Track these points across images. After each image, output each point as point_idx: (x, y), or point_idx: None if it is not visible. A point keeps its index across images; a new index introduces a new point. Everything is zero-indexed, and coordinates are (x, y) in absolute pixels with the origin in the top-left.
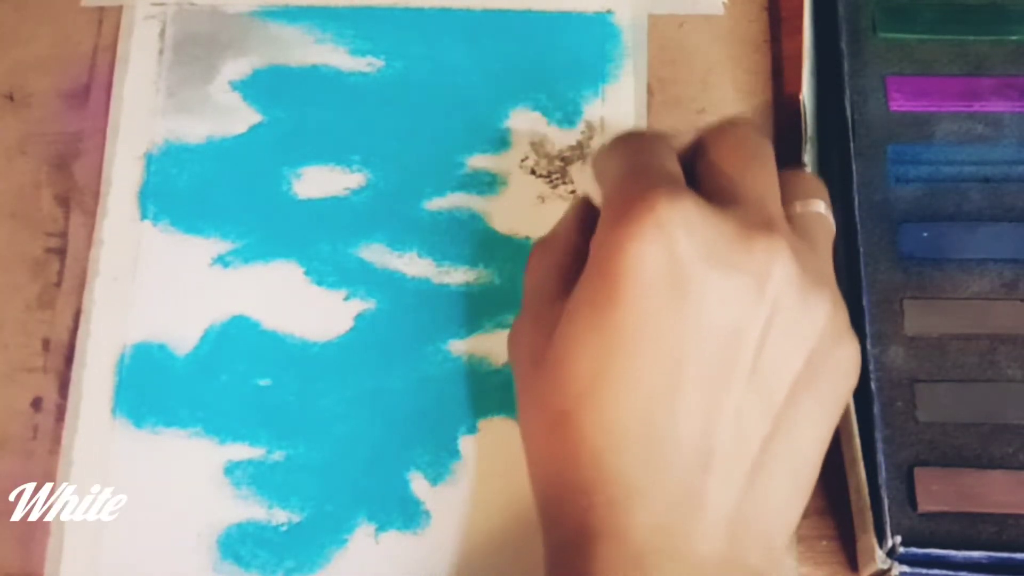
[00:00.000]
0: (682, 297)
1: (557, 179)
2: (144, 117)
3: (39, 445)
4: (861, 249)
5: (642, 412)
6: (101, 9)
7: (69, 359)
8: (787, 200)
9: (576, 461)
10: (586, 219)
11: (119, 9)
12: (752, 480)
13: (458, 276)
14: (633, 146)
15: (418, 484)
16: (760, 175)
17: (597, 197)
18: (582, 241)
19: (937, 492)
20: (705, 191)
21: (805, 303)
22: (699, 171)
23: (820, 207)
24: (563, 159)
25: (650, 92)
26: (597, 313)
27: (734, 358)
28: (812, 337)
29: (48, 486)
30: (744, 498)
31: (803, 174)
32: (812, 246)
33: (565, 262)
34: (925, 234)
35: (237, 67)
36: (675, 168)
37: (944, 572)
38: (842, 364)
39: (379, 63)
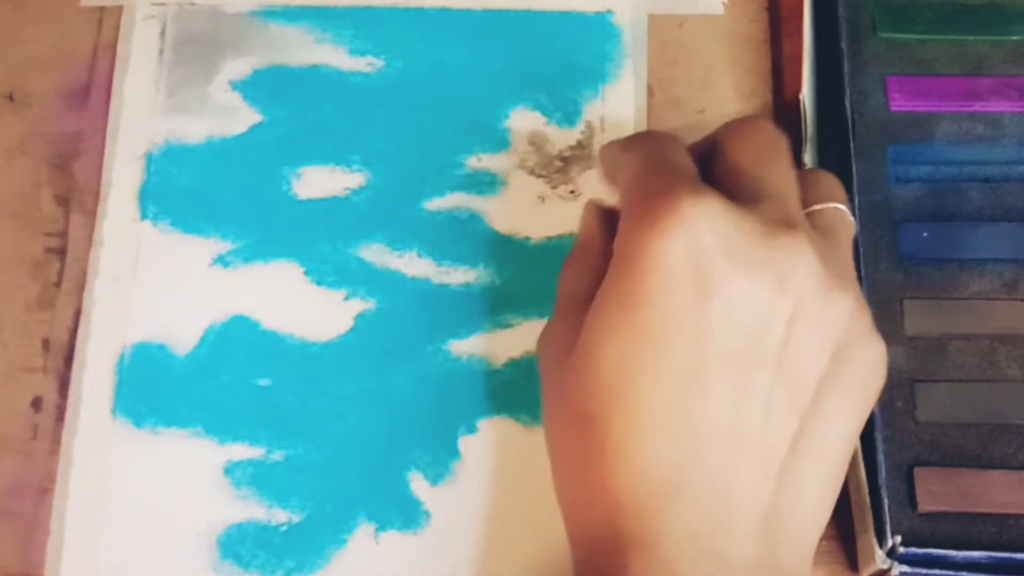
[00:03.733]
0: (706, 294)
1: (557, 179)
2: (144, 117)
3: (39, 445)
4: (861, 249)
5: (669, 409)
6: (101, 9)
7: (69, 359)
8: (809, 200)
9: (603, 460)
10: (608, 221)
11: (119, 9)
12: (782, 478)
13: (458, 276)
14: (649, 144)
15: (418, 484)
16: (779, 172)
17: (608, 197)
18: (608, 244)
19: (937, 492)
20: (724, 189)
21: (828, 300)
22: (717, 169)
23: (840, 207)
24: (563, 159)
25: (650, 92)
26: (623, 310)
27: (759, 355)
28: (836, 334)
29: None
30: (775, 496)
31: (822, 174)
32: (833, 244)
33: (594, 266)
34: (925, 234)
35: (237, 67)
36: (692, 166)
37: (944, 572)
38: (869, 362)
39: (379, 63)
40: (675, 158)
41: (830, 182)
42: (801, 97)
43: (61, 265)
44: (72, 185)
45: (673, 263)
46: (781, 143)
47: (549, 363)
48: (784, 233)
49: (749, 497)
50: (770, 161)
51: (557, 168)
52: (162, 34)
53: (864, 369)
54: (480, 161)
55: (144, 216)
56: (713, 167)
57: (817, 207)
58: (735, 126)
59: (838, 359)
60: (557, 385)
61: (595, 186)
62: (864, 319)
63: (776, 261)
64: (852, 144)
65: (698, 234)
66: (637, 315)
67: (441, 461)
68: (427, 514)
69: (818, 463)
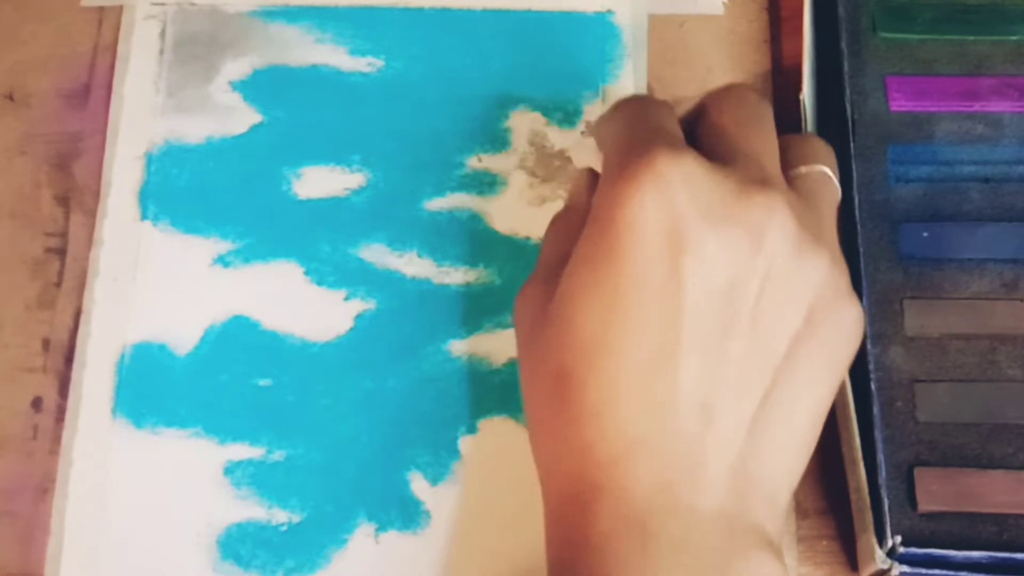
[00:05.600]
0: (681, 251)
1: (557, 179)
2: (144, 117)
3: (39, 445)
4: (861, 249)
5: (643, 366)
6: (101, 9)
7: (69, 359)
8: (793, 162)
9: (578, 417)
10: (595, 185)
11: (119, 9)
12: (753, 433)
13: (458, 276)
14: (634, 108)
15: (418, 484)
16: (758, 134)
17: (599, 165)
18: None
19: (937, 492)
20: (705, 151)
21: (802, 259)
22: (700, 132)
23: (825, 170)
24: (563, 159)
25: (650, 92)
26: (598, 268)
27: (733, 312)
28: (810, 293)
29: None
30: (746, 451)
31: (810, 137)
32: (812, 206)
33: (578, 229)
34: (925, 234)
35: (237, 67)
36: (675, 128)
37: (944, 572)
38: (843, 324)
39: (379, 63)
40: (658, 120)
41: (817, 145)
42: (801, 97)
43: (61, 265)
44: (72, 185)
45: (647, 221)
46: (762, 108)
47: (525, 320)
48: (759, 191)
49: (719, 451)
50: (750, 124)
51: (557, 168)
52: (162, 34)
53: (838, 330)
54: (480, 161)
55: (144, 216)
56: (697, 131)
57: (801, 169)
58: (719, 91)
59: (812, 319)
60: (532, 342)
61: (582, 150)
62: (840, 281)
63: (750, 219)
64: (852, 144)
65: (673, 192)
66: (612, 274)
67: (441, 461)
68: (427, 514)
69: (789, 420)
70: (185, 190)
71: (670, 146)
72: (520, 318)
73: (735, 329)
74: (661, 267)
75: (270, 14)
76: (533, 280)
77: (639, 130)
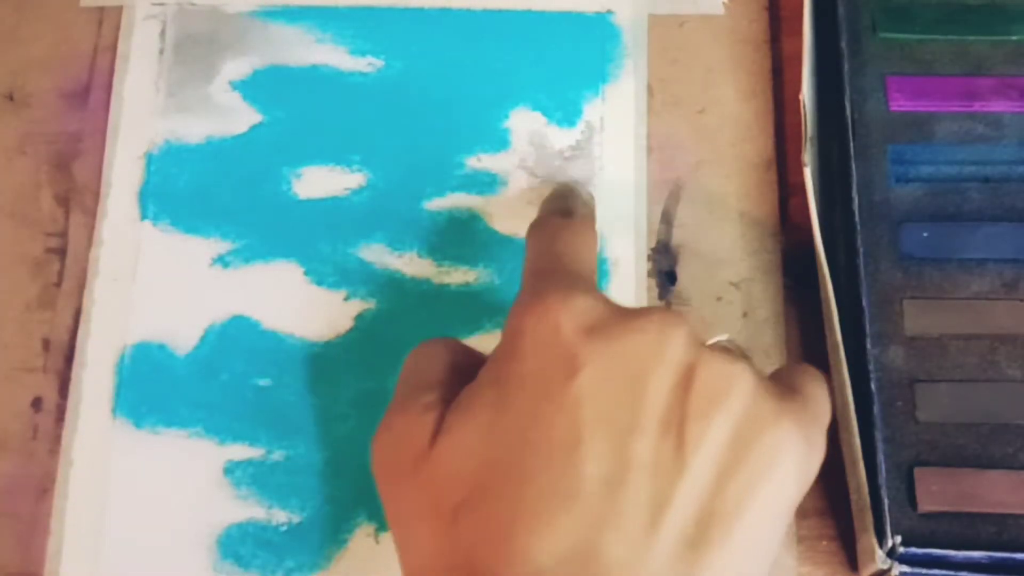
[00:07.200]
0: (571, 375)
1: (557, 179)
2: (144, 117)
3: (39, 445)
4: (861, 249)
5: (552, 484)
6: (101, 9)
7: (69, 359)
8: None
9: (485, 547)
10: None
11: (119, 9)
12: (681, 558)
13: (458, 276)
14: (549, 233)
15: None
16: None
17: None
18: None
19: (937, 492)
20: None
21: (713, 372)
22: None
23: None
24: (563, 159)
25: (650, 92)
26: (503, 394)
27: (636, 420)
28: (730, 409)
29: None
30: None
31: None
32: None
33: (450, 358)
34: (925, 234)
35: (237, 67)
36: (581, 260)
37: (944, 572)
38: (772, 451)
39: (379, 63)
40: (567, 251)
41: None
42: (801, 97)
43: (61, 265)
44: (72, 185)
45: (537, 354)
46: None
47: (400, 461)
48: (655, 311)
49: (623, 571)
50: None
51: (557, 168)
52: (162, 34)
53: (767, 458)
54: (480, 161)
55: (144, 216)
56: None
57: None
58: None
59: (737, 444)
60: (416, 480)
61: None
62: (768, 405)
63: (644, 334)
64: (852, 144)
65: (562, 325)
66: (515, 399)
67: None
68: None
69: (727, 554)
70: (185, 190)
71: (565, 288)
72: (391, 455)
73: (636, 434)
74: (557, 387)
75: (270, 14)
76: (397, 411)
77: (547, 266)
